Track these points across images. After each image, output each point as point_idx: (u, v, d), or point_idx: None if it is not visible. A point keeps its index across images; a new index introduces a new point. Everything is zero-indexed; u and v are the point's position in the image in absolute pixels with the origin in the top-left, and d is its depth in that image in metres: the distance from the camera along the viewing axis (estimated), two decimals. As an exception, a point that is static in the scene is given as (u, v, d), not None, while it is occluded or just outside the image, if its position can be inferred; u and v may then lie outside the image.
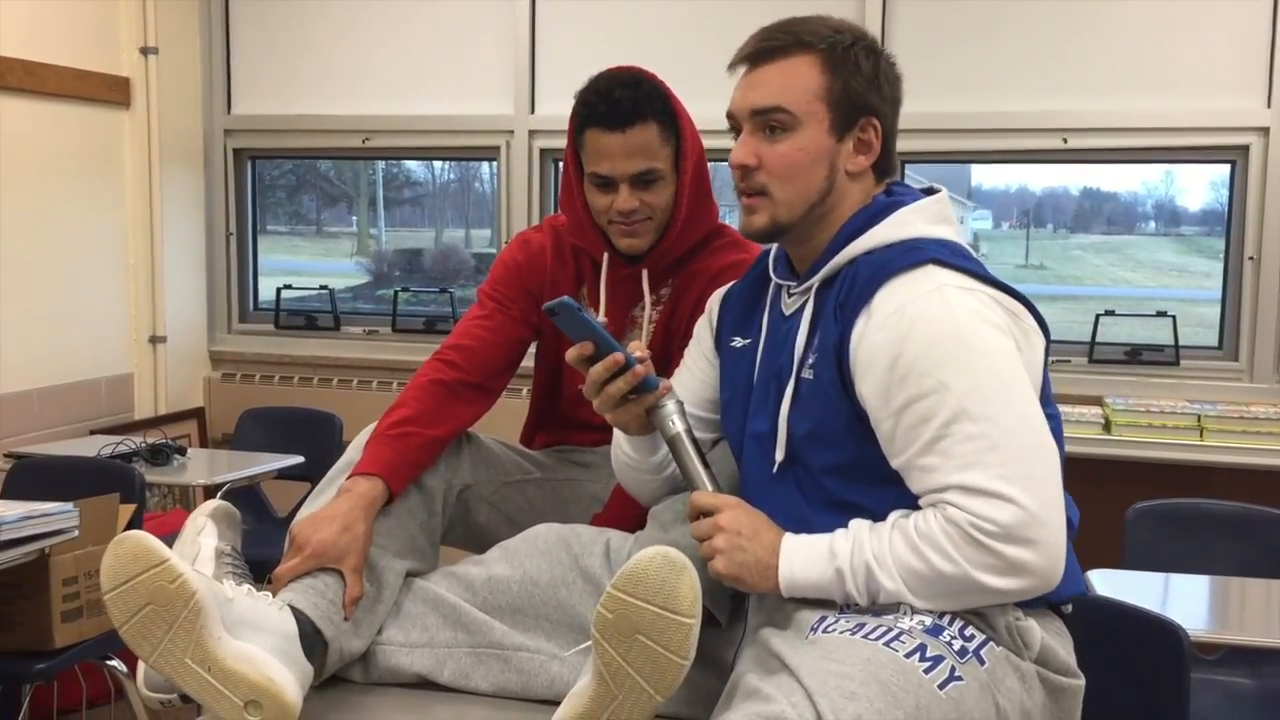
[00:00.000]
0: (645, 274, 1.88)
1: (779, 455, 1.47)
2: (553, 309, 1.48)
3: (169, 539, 1.51)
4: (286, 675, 1.46)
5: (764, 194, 1.47)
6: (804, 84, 1.45)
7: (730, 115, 1.50)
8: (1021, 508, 1.29)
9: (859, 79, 1.45)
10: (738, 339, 1.61)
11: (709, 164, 1.89)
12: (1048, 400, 1.44)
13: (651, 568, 1.34)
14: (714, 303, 1.70)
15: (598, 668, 1.37)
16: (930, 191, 1.50)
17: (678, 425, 1.53)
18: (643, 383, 1.51)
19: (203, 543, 1.62)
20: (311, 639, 1.55)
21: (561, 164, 2.02)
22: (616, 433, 1.67)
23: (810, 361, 1.44)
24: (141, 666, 1.55)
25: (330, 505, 1.68)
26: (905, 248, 1.42)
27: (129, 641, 1.43)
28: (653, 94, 1.79)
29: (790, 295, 1.52)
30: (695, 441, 1.54)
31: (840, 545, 1.38)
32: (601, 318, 1.88)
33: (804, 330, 1.46)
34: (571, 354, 1.52)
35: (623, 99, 1.76)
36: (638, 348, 1.53)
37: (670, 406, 1.54)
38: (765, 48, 1.47)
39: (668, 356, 1.87)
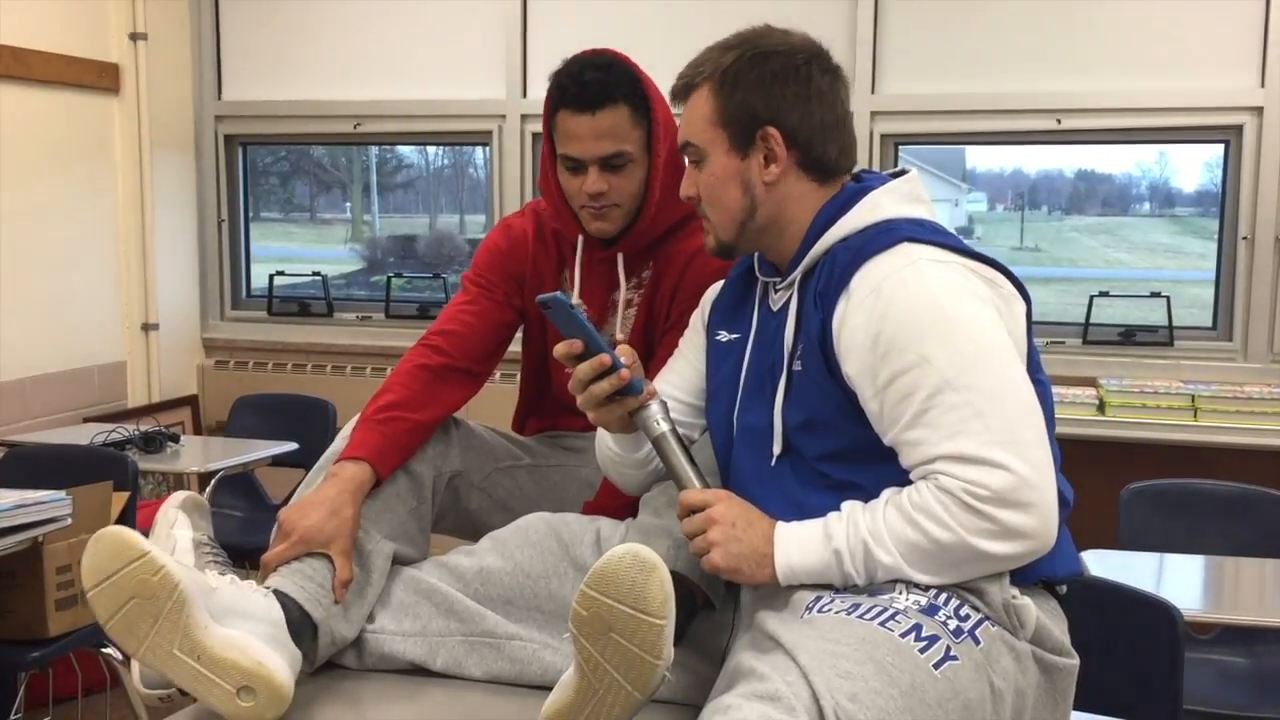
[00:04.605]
0: (620, 258, 1.87)
1: (776, 449, 1.48)
2: (545, 303, 1.48)
3: (147, 534, 1.50)
4: (277, 660, 1.46)
5: (706, 217, 1.54)
6: (700, 115, 1.50)
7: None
8: (1012, 473, 1.29)
9: (742, 92, 1.48)
10: (724, 333, 1.62)
11: None
12: (1037, 367, 1.45)
13: (621, 567, 1.31)
14: (706, 297, 1.71)
15: (579, 662, 1.36)
16: (900, 175, 1.51)
17: (662, 425, 1.52)
18: (628, 386, 1.50)
19: (178, 535, 1.61)
20: (300, 624, 1.55)
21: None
22: (600, 428, 1.66)
23: (799, 353, 1.45)
24: (136, 665, 1.54)
25: (317, 490, 1.68)
26: (879, 230, 1.43)
27: (115, 638, 1.42)
28: (624, 77, 1.77)
29: (776, 291, 1.54)
30: (680, 440, 1.53)
31: (835, 527, 1.38)
32: (576, 299, 1.87)
33: (791, 324, 1.47)
34: (559, 350, 1.51)
35: (593, 81, 1.75)
36: (625, 351, 1.53)
37: (654, 408, 1.53)
38: (676, 88, 1.55)
39: (650, 339, 1.86)
